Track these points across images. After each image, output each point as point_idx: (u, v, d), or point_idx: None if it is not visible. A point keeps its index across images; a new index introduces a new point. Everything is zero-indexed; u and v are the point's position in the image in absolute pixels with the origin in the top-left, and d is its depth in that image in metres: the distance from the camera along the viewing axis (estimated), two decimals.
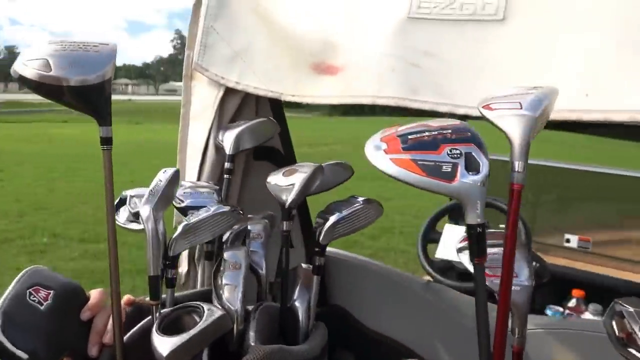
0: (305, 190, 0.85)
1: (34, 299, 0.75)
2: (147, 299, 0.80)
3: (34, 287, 0.76)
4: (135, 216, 0.85)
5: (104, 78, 0.66)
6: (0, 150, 12.12)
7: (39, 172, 9.61)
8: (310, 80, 0.91)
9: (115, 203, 0.84)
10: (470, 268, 0.62)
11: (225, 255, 0.83)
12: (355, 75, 0.85)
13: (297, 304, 0.87)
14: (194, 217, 0.80)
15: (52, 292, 0.75)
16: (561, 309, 2.13)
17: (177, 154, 1.13)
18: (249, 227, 0.94)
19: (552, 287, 2.05)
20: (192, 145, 1.10)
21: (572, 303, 2.13)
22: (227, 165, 1.02)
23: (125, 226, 0.88)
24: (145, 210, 0.74)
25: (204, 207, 0.85)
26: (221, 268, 0.82)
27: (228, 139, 1.01)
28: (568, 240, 2.50)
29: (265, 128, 1.07)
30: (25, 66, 0.64)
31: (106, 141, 0.70)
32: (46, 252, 5.19)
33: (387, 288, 1.14)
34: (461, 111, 0.74)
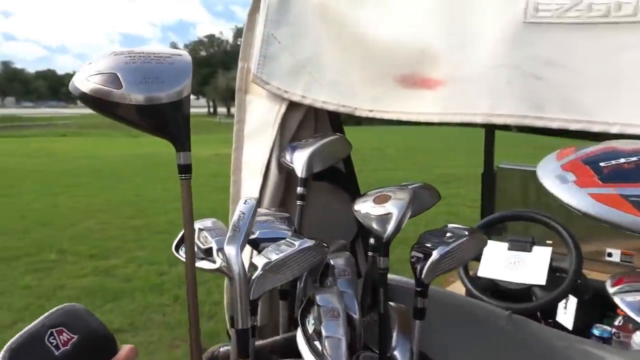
0: (404, 219, 0.73)
1: (53, 341, 0.63)
2: (224, 349, 0.69)
3: (59, 328, 0.65)
4: (207, 253, 0.74)
5: (181, 95, 0.56)
6: (2, 166, 12.02)
7: (41, 188, 9.52)
8: (395, 95, 0.80)
9: (179, 236, 0.72)
10: None
11: (319, 299, 0.71)
12: (460, 89, 0.73)
13: (397, 354, 0.75)
14: (274, 253, 0.69)
15: (75, 337, 0.63)
16: (609, 329, 2.01)
17: (231, 175, 1.02)
18: (330, 262, 0.83)
19: (595, 304, 1.94)
20: (249, 167, 0.99)
21: (619, 322, 2.01)
22: (299, 190, 0.90)
23: (195, 265, 0.76)
24: (231, 251, 0.63)
25: (280, 238, 0.74)
26: (312, 314, 0.71)
27: (299, 161, 0.89)
28: (610, 255, 2.39)
29: (339, 147, 0.96)
30: (89, 82, 0.54)
31: (185, 169, 0.59)
32: (54, 269, 5.08)
33: (468, 323, 1.02)
34: (597, 128, 0.63)
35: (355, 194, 1.11)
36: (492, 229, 2.28)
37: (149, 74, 0.55)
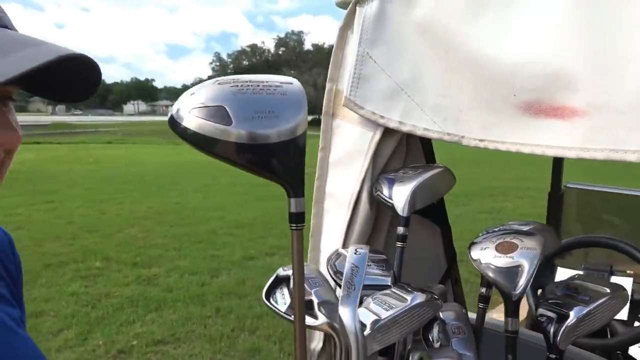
0: (535, 271, 0.62)
1: None
2: None
3: None
4: (306, 306, 0.64)
5: (296, 132, 0.47)
6: (52, 172, 12.43)
7: (88, 194, 9.76)
8: (515, 124, 0.69)
9: (269, 282, 0.63)
10: None
11: None
12: (606, 121, 0.62)
13: None
14: (382, 309, 0.60)
15: None
16: None
17: (313, 207, 0.92)
18: (440, 315, 0.73)
19: None
20: (334, 198, 0.89)
21: None
22: (400, 230, 0.80)
23: (290, 317, 0.67)
24: (347, 313, 0.54)
25: (381, 286, 0.64)
26: None
27: (401, 197, 0.78)
28: None
29: (444, 181, 0.85)
30: (192, 116, 0.45)
31: (297, 218, 0.50)
32: (100, 276, 5.14)
33: None
34: None
35: (446, 228, 1.01)
36: (565, 255, 2.12)
37: (262, 107, 0.46)
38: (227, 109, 0.46)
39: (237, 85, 0.48)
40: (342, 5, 0.97)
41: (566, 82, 0.64)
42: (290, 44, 78.36)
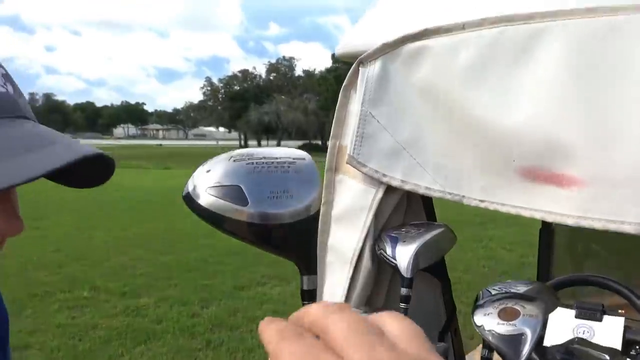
0: (536, 339, 0.63)
1: None
2: None
3: None
4: None
5: (309, 211, 0.48)
6: (40, 197, 12.27)
7: (78, 220, 9.66)
8: (515, 188, 0.71)
9: None
10: None
11: None
12: (604, 193, 0.64)
13: None
14: None
15: None
16: None
17: (318, 262, 0.92)
18: None
19: None
20: (336, 253, 0.90)
21: None
22: (404, 291, 0.80)
23: None
24: None
25: None
26: None
27: (404, 257, 0.79)
28: None
29: (446, 241, 0.86)
30: (208, 194, 0.46)
31: (310, 295, 0.51)
32: (87, 306, 5.06)
33: None
34: None
35: (446, 281, 1.02)
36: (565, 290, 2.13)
37: (276, 187, 0.48)
38: (243, 188, 0.46)
39: (252, 163, 0.49)
40: (343, 58, 0.99)
41: (565, 151, 0.66)
42: (282, 69, 79.11)
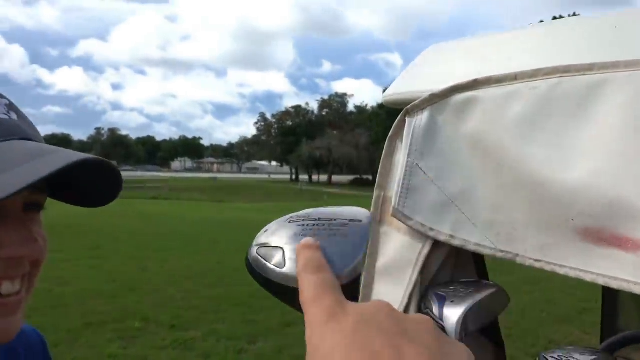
0: None
1: None
2: None
3: None
4: None
5: (351, 276, 0.45)
6: (97, 227, 12.79)
7: (132, 251, 9.96)
8: (574, 249, 0.66)
9: None
10: None
11: None
12: None
13: None
14: None
15: None
16: None
17: None
18: None
19: None
20: None
21: None
22: None
23: None
24: None
25: None
26: None
27: (451, 319, 0.75)
28: None
29: (498, 302, 0.81)
30: (253, 250, 0.46)
31: None
32: (138, 337, 5.15)
33: None
34: None
35: (500, 342, 0.95)
36: (622, 350, 1.98)
37: None
38: (284, 251, 0.45)
39: (303, 226, 0.48)
40: (390, 105, 0.98)
41: (628, 212, 0.61)
42: (334, 105, 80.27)
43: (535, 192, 0.70)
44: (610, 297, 2.05)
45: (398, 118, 0.85)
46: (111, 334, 5.15)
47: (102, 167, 0.58)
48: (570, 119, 0.67)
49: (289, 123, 79.86)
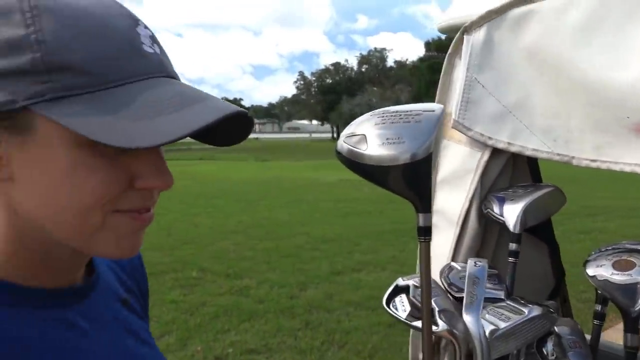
0: None
1: None
2: None
3: None
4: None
5: (416, 157, 0.53)
6: None
7: (183, 208, 10.34)
8: (630, 145, 0.71)
9: (389, 291, 0.70)
10: None
11: None
12: None
13: None
14: (500, 320, 0.64)
15: None
16: None
17: None
18: (555, 329, 0.76)
19: None
20: (442, 215, 0.94)
21: None
22: (513, 246, 0.84)
23: (411, 323, 0.72)
24: (472, 320, 0.59)
25: (494, 299, 0.68)
26: None
27: (512, 215, 0.82)
28: None
29: (554, 201, 0.88)
30: (343, 143, 0.54)
31: (425, 231, 0.56)
32: (197, 286, 5.44)
33: None
34: None
35: (554, 245, 1.02)
36: None
37: (392, 135, 0.54)
38: (366, 136, 0.53)
39: (381, 117, 0.56)
40: (445, 31, 1.02)
41: None
42: (373, 61, 78.66)
43: (592, 94, 0.75)
44: None
45: (456, 37, 0.90)
46: (171, 282, 5.46)
47: (238, 116, 0.56)
48: (626, 19, 0.71)
49: (329, 81, 79.05)
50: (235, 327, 4.36)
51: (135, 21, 0.53)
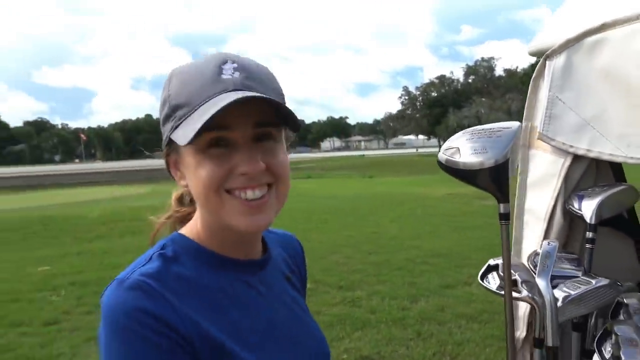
0: None
1: None
2: None
3: None
4: (512, 283, 0.89)
5: (496, 162, 0.73)
6: None
7: (295, 224, 10.77)
8: None
9: (483, 269, 0.89)
10: None
11: (617, 329, 0.80)
12: None
13: None
14: (572, 289, 0.81)
15: None
16: None
17: (514, 221, 1.16)
18: (624, 300, 0.90)
19: None
20: (532, 213, 1.11)
21: None
22: (589, 235, 0.99)
23: (499, 292, 0.92)
24: (542, 283, 0.77)
25: (572, 277, 0.85)
26: (609, 342, 0.80)
27: (588, 208, 0.99)
28: None
29: (627, 196, 1.02)
30: (443, 154, 0.76)
31: (505, 217, 0.76)
32: (311, 296, 5.72)
33: None
34: None
35: (637, 235, 1.14)
36: None
37: (479, 147, 0.74)
38: (459, 149, 0.75)
39: (471, 133, 0.77)
40: (534, 54, 1.19)
41: None
42: (481, 71, 75.92)
43: None
44: None
45: (539, 63, 1.08)
46: None
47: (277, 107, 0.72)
48: None
49: (434, 94, 77.51)
50: (349, 335, 4.56)
51: (224, 61, 0.74)
